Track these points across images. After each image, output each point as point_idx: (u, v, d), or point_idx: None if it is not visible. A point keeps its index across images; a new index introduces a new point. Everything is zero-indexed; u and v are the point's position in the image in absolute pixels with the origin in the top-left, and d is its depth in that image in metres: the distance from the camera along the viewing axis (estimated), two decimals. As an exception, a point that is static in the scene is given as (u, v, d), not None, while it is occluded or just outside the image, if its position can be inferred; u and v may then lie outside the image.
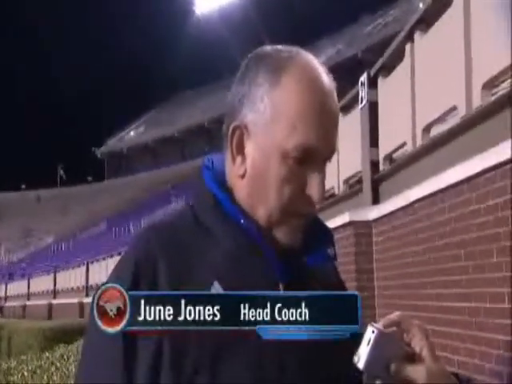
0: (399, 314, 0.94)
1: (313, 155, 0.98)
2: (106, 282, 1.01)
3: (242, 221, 1.00)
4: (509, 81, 4.55)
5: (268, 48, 1.04)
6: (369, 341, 0.88)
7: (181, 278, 0.97)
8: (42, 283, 33.42)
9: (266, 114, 0.98)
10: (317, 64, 1.01)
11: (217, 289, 0.96)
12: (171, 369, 0.93)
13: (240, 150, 1.02)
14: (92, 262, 26.68)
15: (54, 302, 28.98)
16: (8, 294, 38.52)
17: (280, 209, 0.99)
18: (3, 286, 39.55)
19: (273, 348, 0.95)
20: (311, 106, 0.97)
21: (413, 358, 0.90)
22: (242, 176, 1.02)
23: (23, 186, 70.16)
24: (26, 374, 6.01)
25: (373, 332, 0.89)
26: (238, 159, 1.02)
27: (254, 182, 1.00)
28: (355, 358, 0.89)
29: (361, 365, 0.88)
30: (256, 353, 0.95)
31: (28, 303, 32.73)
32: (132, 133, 68.43)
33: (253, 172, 1.00)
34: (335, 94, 1.02)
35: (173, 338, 0.93)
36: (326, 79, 1.01)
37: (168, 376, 0.93)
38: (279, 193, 0.98)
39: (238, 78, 1.04)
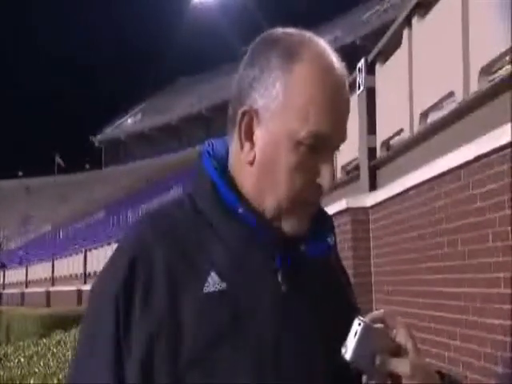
0: (384, 310, 0.96)
1: (325, 143, 0.96)
2: (102, 271, 1.01)
3: (240, 210, 0.98)
4: (506, 67, 4.53)
5: (279, 31, 1.00)
6: (355, 333, 0.90)
7: (178, 267, 0.96)
8: (41, 271, 33.47)
9: (277, 101, 0.96)
10: (329, 51, 0.99)
11: (214, 279, 0.96)
12: (165, 360, 0.91)
13: (249, 135, 0.98)
14: (90, 250, 26.71)
15: (52, 289, 29.03)
16: (6, 282, 38.59)
17: (290, 197, 0.96)
18: (1, 274, 39.62)
19: (271, 336, 0.95)
20: (324, 94, 0.95)
21: (398, 352, 0.92)
22: (251, 163, 0.98)
23: (20, 174, 70.08)
24: (22, 359, 6.03)
25: (359, 324, 0.90)
26: (247, 145, 0.98)
27: (264, 169, 0.97)
28: (342, 350, 0.91)
29: (348, 356, 0.90)
30: (255, 336, 0.94)
31: (26, 291, 32.79)
32: (129, 120, 68.24)
33: (262, 159, 0.97)
34: (347, 82, 1.00)
35: (168, 328, 0.92)
36: (339, 67, 0.99)
37: (162, 368, 0.91)
38: (289, 181, 0.96)
39: (246, 61, 1.00)
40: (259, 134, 0.98)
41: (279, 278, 0.99)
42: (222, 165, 1.03)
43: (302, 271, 1.02)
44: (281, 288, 0.98)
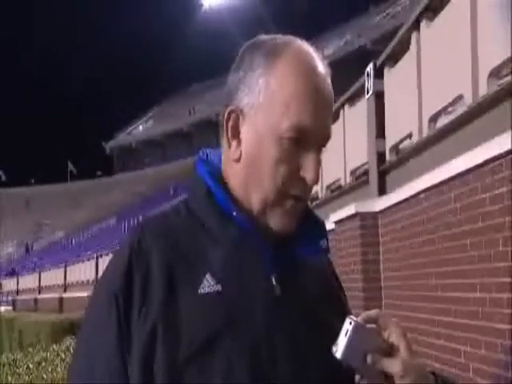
0: (377, 310, 0.96)
1: (307, 136, 0.98)
2: (102, 274, 1.03)
3: (235, 213, 1.00)
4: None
5: (264, 36, 1.04)
6: (346, 331, 0.90)
7: (174, 269, 0.98)
8: (53, 277, 33.68)
9: (260, 97, 0.99)
10: (311, 51, 1.02)
11: (209, 281, 0.97)
12: (164, 358, 0.93)
13: (235, 133, 1.02)
14: (102, 256, 26.84)
15: (65, 295, 29.17)
16: (20, 288, 38.84)
17: (274, 190, 0.99)
18: (15, 280, 39.89)
19: (266, 337, 0.96)
20: (305, 88, 0.98)
21: (390, 352, 0.92)
22: (238, 160, 1.01)
23: (33, 181, 70.62)
24: (31, 366, 6.06)
25: (350, 323, 0.91)
26: (234, 143, 1.02)
27: (249, 164, 1.00)
28: (333, 348, 0.91)
29: (338, 354, 0.90)
30: (249, 337, 0.95)
31: (39, 296, 32.98)
32: (140, 127, 68.64)
33: (248, 154, 1.00)
34: (329, 80, 1.02)
35: (165, 328, 0.93)
36: (321, 64, 1.01)
37: (160, 366, 0.93)
38: (273, 174, 0.98)
39: (234, 67, 1.04)
40: (245, 130, 1.01)
41: (273, 281, 1.00)
42: (216, 171, 1.06)
43: (296, 275, 1.03)
44: (274, 291, 1.00)
